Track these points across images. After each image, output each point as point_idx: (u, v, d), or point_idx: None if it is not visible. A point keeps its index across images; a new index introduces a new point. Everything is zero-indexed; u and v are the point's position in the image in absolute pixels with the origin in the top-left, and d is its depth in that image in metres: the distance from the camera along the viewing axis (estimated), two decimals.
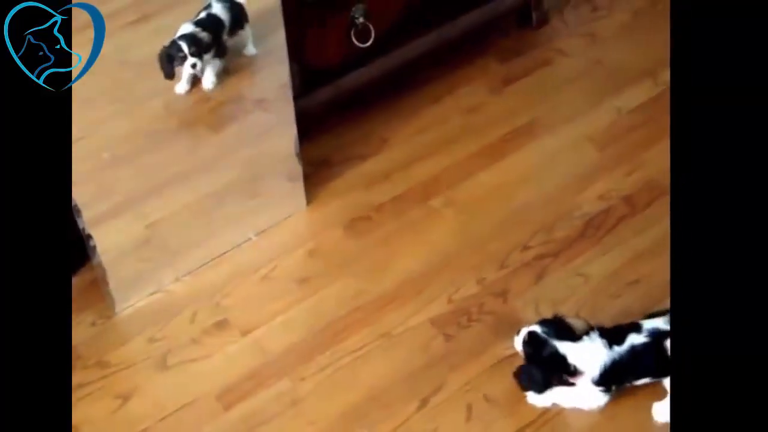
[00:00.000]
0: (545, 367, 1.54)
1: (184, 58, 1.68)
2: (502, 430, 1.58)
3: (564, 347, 1.52)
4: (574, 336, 1.53)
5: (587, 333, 1.54)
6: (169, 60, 1.68)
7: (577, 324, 1.55)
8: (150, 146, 1.76)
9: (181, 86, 1.74)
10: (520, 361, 1.65)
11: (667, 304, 1.72)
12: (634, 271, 1.80)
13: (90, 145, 1.65)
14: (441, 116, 2.14)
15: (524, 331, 1.55)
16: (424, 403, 1.62)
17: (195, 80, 1.75)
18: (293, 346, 1.71)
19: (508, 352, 1.67)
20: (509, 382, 1.62)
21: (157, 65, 1.70)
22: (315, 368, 1.68)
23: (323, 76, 1.97)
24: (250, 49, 1.80)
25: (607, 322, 1.68)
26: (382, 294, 1.79)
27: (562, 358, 1.52)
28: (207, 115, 1.80)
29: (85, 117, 1.53)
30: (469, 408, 1.61)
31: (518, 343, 1.56)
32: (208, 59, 1.72)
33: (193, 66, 1.69)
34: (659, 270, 1.78)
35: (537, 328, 1.54)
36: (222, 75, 1.79)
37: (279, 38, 1.76)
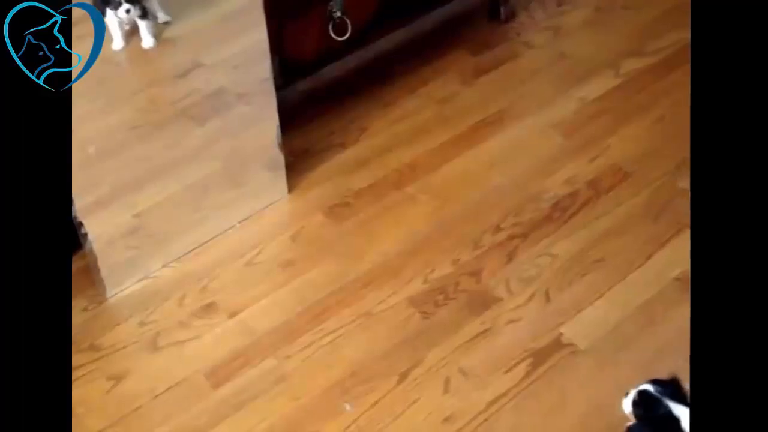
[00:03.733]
0: (655, 428, 1.41)
1: (119, 3, 1.66)
2: (478, 401, 1.63)
3: (678, 410, 1.37)
4: (688, 401, 1.38)
5: None
6: (103, 2, 1.66)
7: None
8: (135, 139, 1.80)
9: (117, 43, 1.73)
10: (495, 334, 1.73)
11: (628, 281, 1.81)
12: (599, 250, 1.87)
13: (76, 140, 1.66)
14: (416, 107, 2.21)
15: (634, 392, 1.43)
16: (403, 377, 1.67)
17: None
18: (278, 326, 1.77)
19: (483, 327, 1.74)
20: (484, 355, 1.70)
21: (139, 60, 1.75)
22: (299, 347, 1.73)
23: (303, 69, 2.02)
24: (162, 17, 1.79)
25: (575, 299, 1.78)
26: (361, 275, 1.85)
27: (675, 421, 1.37)
28: (190, 110, 1.85)
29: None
30: (447, 381, 1.66)
31: (627, 404, 1.43)
32: (134, 15, 1.70)
33: (127, 12, 1.66)
34: (622, 249, 1.87)
35: (649, 387, 1.42)
36: (202, 67, 1.82)
37: (260, 34, 1.81)
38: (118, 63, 1.77)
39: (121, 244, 1.83)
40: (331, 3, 1.98)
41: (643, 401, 1.41)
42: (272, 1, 1.82)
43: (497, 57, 2.34)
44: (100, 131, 1.75)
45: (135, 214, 1.84)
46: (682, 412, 1.37)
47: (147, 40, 1.75)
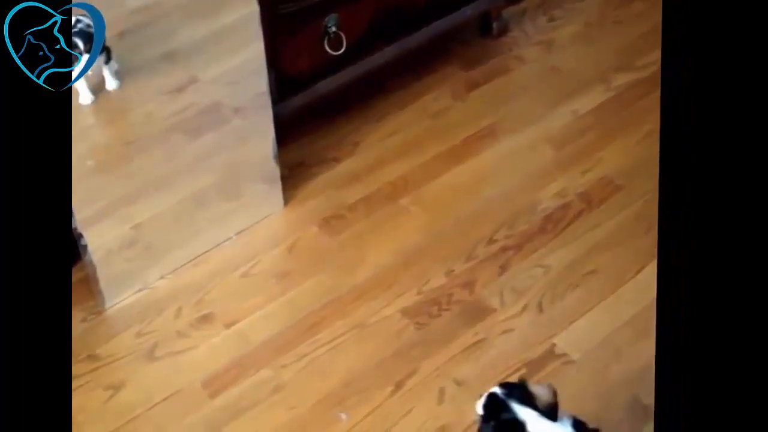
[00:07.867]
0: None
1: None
2: (472, 411, 1.59)
3: (524, 413, 1.34)
4: (536, 405, 1.35)
5: (551, 406, 1.35)
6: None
7: (540, 392, 1.37)
8: (131, 154, 1.83)
9: (86, 97, 1.77)
10: (489, 345, 1.75)
11: (620, 292, 1.82)
12: (591, 261, 1.89)
13: (75, 154, 1.69)
14: (408, 121, 2.24)
15: (485, 395, 1.40)
16: (398, 387, 1.69)
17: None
18: (274, 337, 1.78)
19: (476, 338, 1.76)
20: (478, 365, 1.71)
21: (136, 77, 1.78)
22: (294, 357, 1.74)
23: (298, 84, 2.04)
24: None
25: (567, 310, 1.81)
26: (355, 287, 1.87)
27: (521, 425, 1.33)
28: (185, 124, 1.87)
29: None
30: (441, 391, 1.68)
31: (479, 407, 1.40)
32: (101, 63, 1.74)
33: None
34: (614, 261, 1.89)
35: (497, 390, 1.39)
36: (198, 82, 1.85)
37: (257, 49, 1.83)
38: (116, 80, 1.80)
39: (119, 256, 1.85)
40: (326, 18, 2.00)
41: (490, 404, 1.38)
42: (269, 16, 1.85)
43: (489, 71, 2.37)
44: (98, 146, 1.77)
45: (133, 226, 1.86)
46: (528, 416, 1.34)
47: (111, 83, 1.78)
